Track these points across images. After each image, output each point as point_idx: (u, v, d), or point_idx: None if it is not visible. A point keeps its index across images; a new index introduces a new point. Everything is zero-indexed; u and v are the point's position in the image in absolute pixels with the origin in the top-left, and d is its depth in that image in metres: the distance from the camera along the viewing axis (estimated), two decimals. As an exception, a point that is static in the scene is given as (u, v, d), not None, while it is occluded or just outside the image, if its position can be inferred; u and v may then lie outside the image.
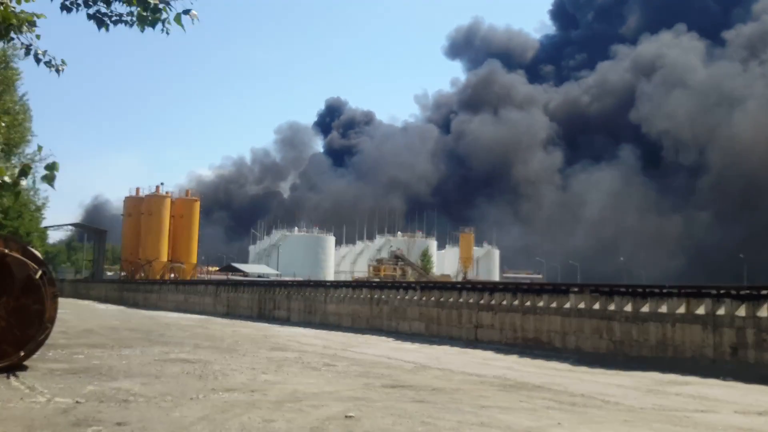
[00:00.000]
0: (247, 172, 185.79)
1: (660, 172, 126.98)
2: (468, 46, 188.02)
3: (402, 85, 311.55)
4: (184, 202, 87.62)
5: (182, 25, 6.00)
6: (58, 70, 6.71)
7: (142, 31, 6.21)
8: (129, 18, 6.26)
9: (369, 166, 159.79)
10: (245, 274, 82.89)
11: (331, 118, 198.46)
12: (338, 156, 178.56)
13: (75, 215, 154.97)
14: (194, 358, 13.06)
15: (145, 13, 6.08)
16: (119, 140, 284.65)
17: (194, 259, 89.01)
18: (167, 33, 6.28)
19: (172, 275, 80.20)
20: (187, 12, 6.04)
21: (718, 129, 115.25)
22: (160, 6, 6.10)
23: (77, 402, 7.83)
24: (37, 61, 6.58)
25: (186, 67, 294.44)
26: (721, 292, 13.54)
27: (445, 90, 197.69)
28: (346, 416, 7.33)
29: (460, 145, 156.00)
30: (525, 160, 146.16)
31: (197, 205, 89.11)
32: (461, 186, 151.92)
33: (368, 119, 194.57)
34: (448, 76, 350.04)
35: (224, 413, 7.36)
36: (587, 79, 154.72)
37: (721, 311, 13.29)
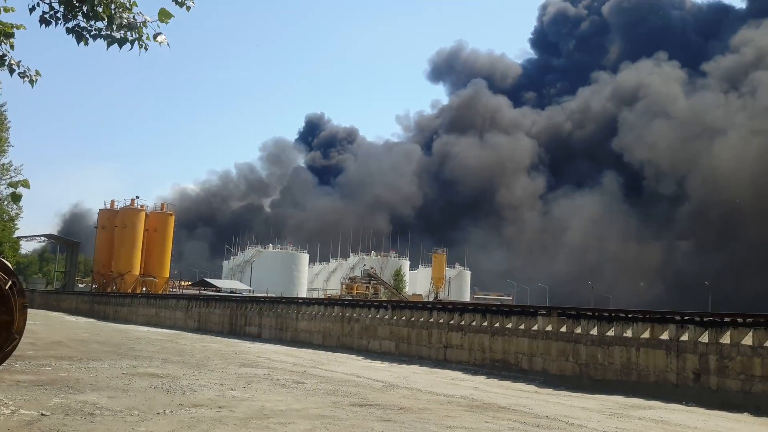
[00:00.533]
0: (232, 187, 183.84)
1: (642, 200, 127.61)
2: (450, 69, 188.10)
3: (383, 105, 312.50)
4: (159, 215, 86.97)
5: (145, 45, 6.11)
6: (32, 81, 6.77)
7: (108, 49, 6.29)
8: (106, 33, 6.35)
9: (353, 186, 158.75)
10: (218, 290, 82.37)
11: (313, 134, 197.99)
12: (320, 173, 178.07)
13: (52, 225, 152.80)
14: (163, 373, 13.03)
15: (114, 33, 6.17)
16: (102, 151, 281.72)
17: (167, 273, 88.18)
18: (145, 49, 6.38)
19: (144, 289, 79.44)
20: (156, 35, 6.17)
21: (698, 159, 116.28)
22: (131, 23, 6.19)
23: (42, 414, 7.81)
24: (11, 71, 6.65)
25: (171, 81, 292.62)
26: (685, 318, 13.82)
27: (425, 111, 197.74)
28: (312, 433, 7.41)
29: (445, 167, 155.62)
30: (509, 184, 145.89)
31: (172, 219, 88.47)
32: (445, 208, 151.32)
33: (351, 137, 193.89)
34: (429, 98, 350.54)
35: (191, 429, 7.39)
36: (570, 104, 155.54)
37: (684, 337, 13.56)
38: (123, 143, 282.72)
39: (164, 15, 6.14)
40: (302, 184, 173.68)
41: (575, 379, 15.16)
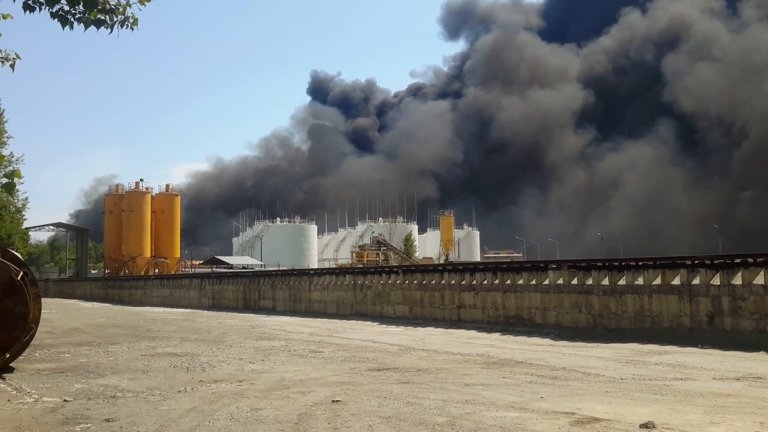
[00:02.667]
0: (264, 158, 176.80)
1: (697, 149, 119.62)
2: (464, 22, 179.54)
3: (392, 62, 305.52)
4: (165, 197, 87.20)
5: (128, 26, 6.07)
6: (12, 65, 6.72)
7: (86, 30, 6.22)
8: (86, 17, 6.27)
9: (391, 149, 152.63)
10: (230, 266, 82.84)
11: (322, 93, 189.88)
12: (353, 139, 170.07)
13: (66, 212, 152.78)
14: (181, 352, 13.15)
15: (90, 15, 6.10)
16: (104, 134, 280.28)
17: (178, 254, 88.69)
18: (131, 29, 6.32)
19: (157, 270, 79.96)
20: (125, 21, 6.12)
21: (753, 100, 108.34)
22: (111, 8, 6.12)
23: (65, 401, 7.91)
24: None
25: (173, 64, 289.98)
26: (696, 262, 13.83)
27: (438, 67, 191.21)
28: (333, 401, 7.48)
29: (486, 127, 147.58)
30: (557, 141, 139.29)
31: (178, 200, 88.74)
32: (491, 173, 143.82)
33: (366, 93, 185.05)
34: (442, 53, 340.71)
35: (212, 404, 7.48)
36: (606, 44, 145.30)
37: (696, 281, 13.58)
38: (125, 124, 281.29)
39: None
40: (335, 149, 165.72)
41: (589, 330, 15.24)
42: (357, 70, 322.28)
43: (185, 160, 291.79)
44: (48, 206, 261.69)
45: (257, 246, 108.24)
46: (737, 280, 12.93)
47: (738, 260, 13.15)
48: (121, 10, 6.20)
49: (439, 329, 17.81)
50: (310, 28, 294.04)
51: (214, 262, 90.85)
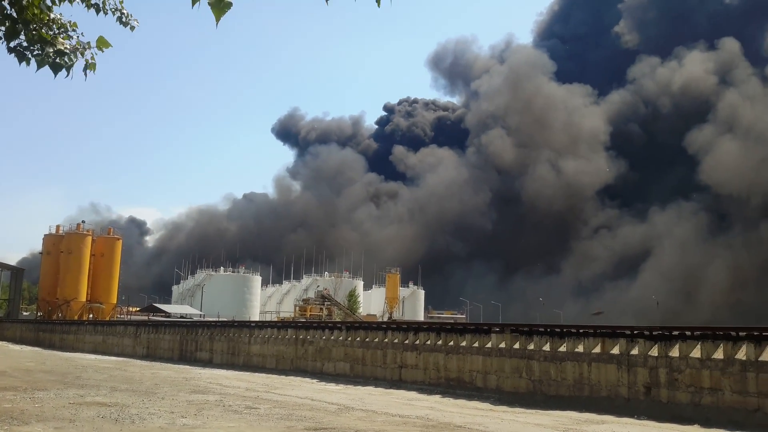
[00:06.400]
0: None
1: (725, 224, 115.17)
2: (453, 71, 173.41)
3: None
4: (106, 240, 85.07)
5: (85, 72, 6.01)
6: None
7: (38, 70, 6.14)
8: (41, 57, 6.18)
9: (418, 205, 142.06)
10: (167, 315, 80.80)
11: (290, 134, 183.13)
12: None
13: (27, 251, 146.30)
14: (111, 402, 12.66)
15: (46, 57, 6.03)
16: (49, 173, 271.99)
17: (114, 299, 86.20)
18: (86, 73, 6.26)
19: (91, 316, 77.51)
20: (86, 67, 6.07)
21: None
22: (65, 50, 6.06)
23: (-17, 449, 7.50)
24: None
25: (119, 100, 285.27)
26: (635, 332, 14.05)
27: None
28: (266, 459, 7.26)
29: (514, 194, 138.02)
30: (584, 215, 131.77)
31: (119, 244, 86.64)
32: (516, 245, 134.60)
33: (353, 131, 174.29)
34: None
35: (140, 458, 7.18)
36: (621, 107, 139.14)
37: (635, 351, 13.77)
38: (71, 165, 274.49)
39: (102, 44, 6.04)
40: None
41: (529, 395, 15.24)
42: (318, 108, 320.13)
43: (158, 206, 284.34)
44: (13, 244, 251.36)
45: (198, 295, 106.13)
46: (674, 352, 13.15)
47: (676, 332, 13.42)
48: (78, 54, 6.14)
49: (380, 389, 17.60)
50: (277, 69, 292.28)
51: (151, 309, 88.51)
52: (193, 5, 3.79)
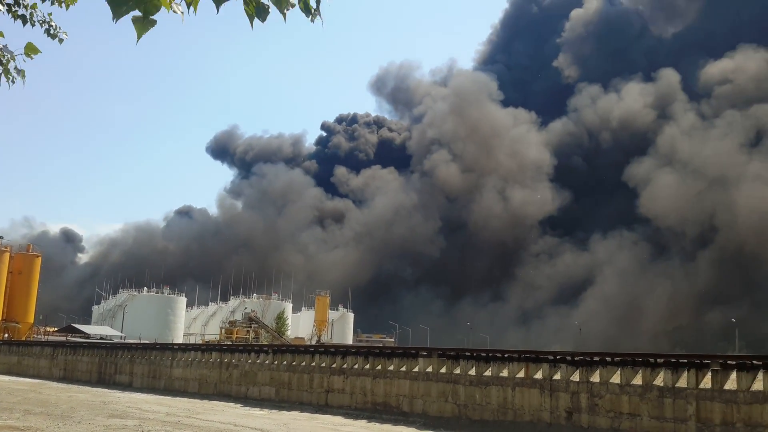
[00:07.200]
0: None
1: (663, 253, 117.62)
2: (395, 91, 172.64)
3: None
4: (25, 257, 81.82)
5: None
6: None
7: None
8: None
9: (367, 229, 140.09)
10: (86, 336, 78.13)
11: (226, 153, 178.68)
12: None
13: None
14: (24, 426, 12.08)
15: None
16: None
17: (32, 319, 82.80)
18: (13, 82, 6.06)
19: (6, 335, 74.21)
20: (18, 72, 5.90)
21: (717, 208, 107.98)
22: None
23: None
24: None
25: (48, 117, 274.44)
26: (557, 357, 14.30)
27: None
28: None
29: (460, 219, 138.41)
30: (527, 242, 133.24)
31: (38, 262, 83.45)
32: (459, 269, 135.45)
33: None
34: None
35: (49, 488, 6.84)
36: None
37: (557, 376, 14.00)
38: (3, 176, 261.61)
39: (31, 50, 5.83)
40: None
41: (454, 420, 15.29)
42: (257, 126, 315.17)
43: (95, 221, 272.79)
44: None
45: (119, 316, 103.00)
46: (595, 377, 13.43)
47: (597, 358, 13.72)
48: (5, 62, 5.92)
49: (306, 413, 17.35)
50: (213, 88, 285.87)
51: (70, 330, 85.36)
52: (115, 21, 3.67)
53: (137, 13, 3.64)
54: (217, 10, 3.87)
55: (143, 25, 3.64)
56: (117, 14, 3.63)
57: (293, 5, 3.95)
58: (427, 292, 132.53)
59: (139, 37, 3.69)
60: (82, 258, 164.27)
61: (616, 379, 13.15)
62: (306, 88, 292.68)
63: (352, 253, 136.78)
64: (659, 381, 12.74)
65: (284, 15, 3.93)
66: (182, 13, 3.84)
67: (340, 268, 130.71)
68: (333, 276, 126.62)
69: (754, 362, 12.19)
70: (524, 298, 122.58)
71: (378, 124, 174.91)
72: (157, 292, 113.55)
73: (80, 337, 74.64)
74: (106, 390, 25.37)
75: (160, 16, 3.82)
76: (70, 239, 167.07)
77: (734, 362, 12.43)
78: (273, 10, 3.94)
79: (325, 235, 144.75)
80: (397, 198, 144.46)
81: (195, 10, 3.86)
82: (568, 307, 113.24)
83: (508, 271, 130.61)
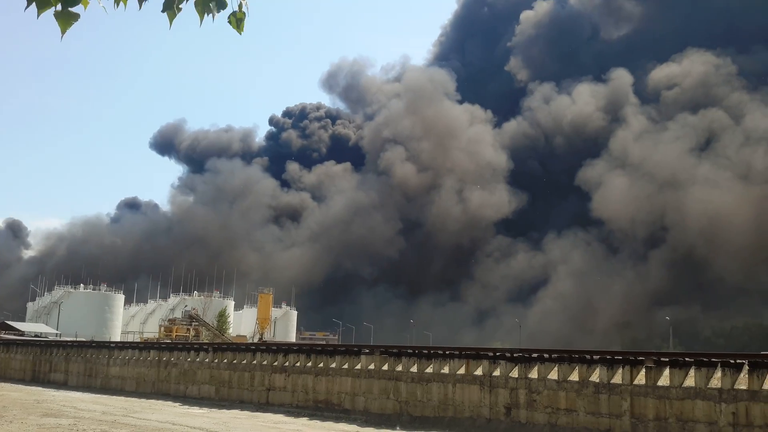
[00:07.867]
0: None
1: (615, 252, 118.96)
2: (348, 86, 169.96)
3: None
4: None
5: None
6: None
7: None
8: None
9: (323, 228, 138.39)
10: (20, 333, 75.76)
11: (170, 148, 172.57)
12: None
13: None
14: (-52, 428, 11.67)
15: None
16: None
17: (-39, 316, 80.00)
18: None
19: (-68, 333, 71.39)
20: None
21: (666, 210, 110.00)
22: None
23: None
24: None
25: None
26: (497, 354, 14.51)
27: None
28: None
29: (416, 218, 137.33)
30: (482, 243, 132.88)
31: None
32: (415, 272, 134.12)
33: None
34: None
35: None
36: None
37: (497, 372, 14.21)
38: None
39: None
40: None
41: (395, 417, 15.37)
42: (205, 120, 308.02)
43: (41, 215, 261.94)
44: None
45: (55, 313, 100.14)
46: (534, 373, 13.68)
47: (535, 355, 13.97)
48: None
49: (246, 412, 17.20)
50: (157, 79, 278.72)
51: (3, 327, 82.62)
52: (38, 16, 3.58)
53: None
54: (140, 6, 3.82)
55: (66, 20, 3.56)
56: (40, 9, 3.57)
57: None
58: (386, 291, 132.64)
59: (63, 31, 3.60)
60: (27, 253, 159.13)
61: (553, 375, 13.41)
62: (258, 83, 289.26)
63: (308, 252, 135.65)
64: (595, 377, 13.05)
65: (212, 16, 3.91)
66: (104, 7, 3.76)
67: (297, 266, 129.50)
68: (289, 275, 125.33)
69: (686, 359, 12.59)
70: (481, 298, 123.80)
71: (330, 117, 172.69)
72: (94, 289, 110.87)
73: (14, 335, 72.33)
74: (40, 388, 24.68)
75: (106, 6, 3.75)
76: (16, 233, 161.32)
77: (667, 359, 12.81)
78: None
79: (281, 234, 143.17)
80: (355, 196, 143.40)
81: (125, 5, 3.80)
82: (523, 307, 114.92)
83: (465, 270, 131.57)
